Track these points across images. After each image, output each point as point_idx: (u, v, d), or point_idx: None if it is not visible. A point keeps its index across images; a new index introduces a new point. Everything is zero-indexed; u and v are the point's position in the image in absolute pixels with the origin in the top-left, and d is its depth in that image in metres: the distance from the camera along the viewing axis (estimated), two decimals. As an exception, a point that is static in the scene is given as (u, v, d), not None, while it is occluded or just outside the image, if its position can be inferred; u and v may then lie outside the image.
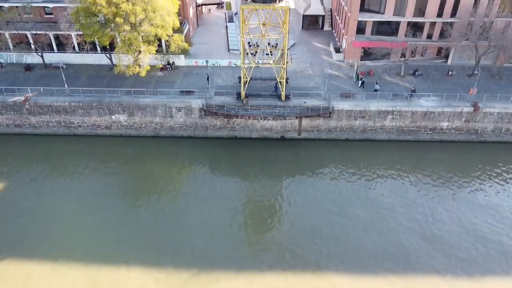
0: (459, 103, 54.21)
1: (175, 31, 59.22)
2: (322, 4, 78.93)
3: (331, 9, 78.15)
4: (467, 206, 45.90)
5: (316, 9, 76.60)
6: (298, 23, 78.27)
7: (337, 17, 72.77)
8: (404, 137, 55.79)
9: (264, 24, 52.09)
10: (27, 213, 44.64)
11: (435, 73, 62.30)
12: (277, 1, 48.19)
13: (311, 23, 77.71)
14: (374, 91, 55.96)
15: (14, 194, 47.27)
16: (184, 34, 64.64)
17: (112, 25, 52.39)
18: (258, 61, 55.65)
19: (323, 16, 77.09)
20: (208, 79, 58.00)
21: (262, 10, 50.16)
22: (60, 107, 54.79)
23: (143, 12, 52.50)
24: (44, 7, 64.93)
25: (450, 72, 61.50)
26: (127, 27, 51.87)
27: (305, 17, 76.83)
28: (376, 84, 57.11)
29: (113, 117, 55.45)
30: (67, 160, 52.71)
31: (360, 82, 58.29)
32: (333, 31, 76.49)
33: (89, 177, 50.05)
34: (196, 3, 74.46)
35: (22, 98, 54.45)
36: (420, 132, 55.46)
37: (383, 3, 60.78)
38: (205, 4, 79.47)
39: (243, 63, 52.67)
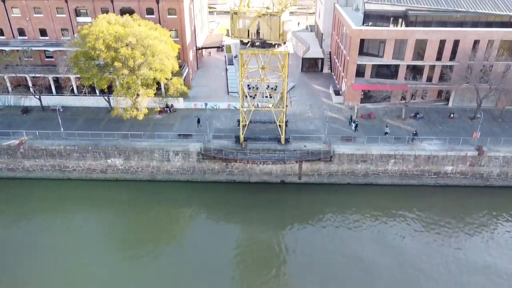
0: (462, 146, 53.03)
1: (174, 74, 59.18)
2: (321, 47, 79.79)
3: (330, 52, 78.86)
4: (474, 253, 43.62)
5: (315, 52, 77.26)
6: (297, 65, 78.70)
7: (336, 60, 73.17)
8: (407, 181, 54.20)
9: (263, 68, 51.97)
10: (19, 258, 42.40)
11: (437, 115, 61.60)
12: (276, 46, 48.10)
13: (311, 65, 78.14)
14: (385, 134, 55.10)
15: (3, 241, 45.17)
16: (183, 77, 64.67)
17: (111, 69, 52.23)
18: (257, 104, 55.11)
19: (322, 59, 77.61)
20: (198, 122, 57.54)
21: (261, 54, 50.10)
22: (55, 151, 53.64)
23: (142, 56, 52.48)
24: (44, 50, 65.49)
25: (451, 115, 60.79)
26: (126, 71, 51.70)
27: (304, 60, 77.38)
28: (386, 127, 56.28)
29: (109, 161, 54.18)
30: (61, 205, 50.98)
31: (353, 125, 57.49)
32: (333, 73, 76.75)
33: (83, 223, 48.16)
34: (196, 46, 75.16)
35: (17, 142, 53.45)
36: (424, 177, 53.91)
37: (381, 47, 61.04)
38: (205, 48, 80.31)
39: (242, 107, 52.03)
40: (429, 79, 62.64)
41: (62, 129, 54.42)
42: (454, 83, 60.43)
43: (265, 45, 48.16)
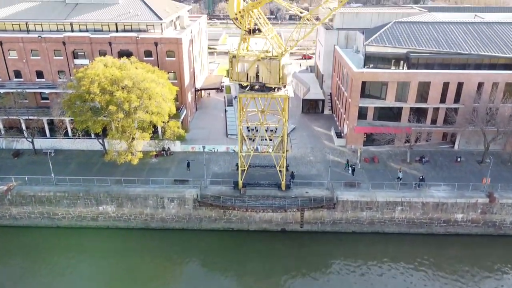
0: (472, 193, 50.44)
1: (172, 117, 57.61)
2: (322, 88, 78.86)
3: (330, 93, 77.85)
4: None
5: (315, 94, 76.23)
6: (297, 106, 77.44)
7: (337, 102, 71.92)
8: (416, 230, 51.18)
9: (263, 111, 50.37)
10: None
11: (443, 159, 59.39)
12: (276, 90, 46.63)
13: (311, 107, 76.87)
14: (397, 179, 52.73)
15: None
16: (181, 120, 63.08)
17: (105, 112, 50.63)
18: (256, 148, 53.02)
19: (323, 100, 76.45)
20: (188, 166, 55.66)
21: (260, 98, 48.61)
22: (44, 197, 51.06)
23: (138, 99, 51.06)
24: (40, 92, 64.33)
25: (458, 159, 58.56)
26: (121, 115, 50.05)
27: (304, 101, 76.21)
28: (399, 172, 53.80)
29: (101, 208, 51.48)
30: (49, 254, 47.94)
31: (350, 169, 55.22)
32: (334, 115, 75.32)
33: (71, 273, 45.03)
34: (195, 88, 74.21)
35: (5, 188, 51.02)
36: (433, 225, 50.95)
37: (384, 89, 59.80)
38: (204, 89, 79.45)
39: (240, 151, 49.98)
40: (434, 121, 60.94)
41: (52, 174, 52.10)
42: (459, 126, 58.66)
43: (264, 88, 46.65)
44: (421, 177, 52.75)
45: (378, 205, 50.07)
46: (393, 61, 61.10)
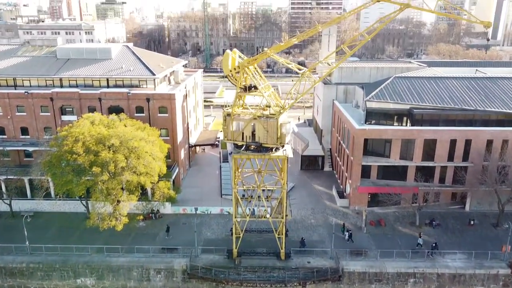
0: (492, 262, 45.63)
1: (162, 176, 53.64)
2: (321, 143, 75.73)
3: (330, 149, 74.62)
4: None
5: (315, 150, 72.96)
6: (296, 162, 73.80)
7: (338, 159, 68.47)
8: (431, 305, 45.73)
9: (259, 172, 46.60)
10: None
11: (454, 222, 54.94)
12: (273, 150, 43.14)
13: (310, 163, 73.30)
14: (418, 246, 48.06)
15: None
16: (172, 179, 59.08)
17: (89, 174, 46.73)
18: (253, 210, 48.69)
19: (323, 157, 73.05)
20: (167, 230, 51.46)
21: (257, 158, 45.04)
22: (16, 269, 45.84)
23: (125, 160, 47.39)
24: (24, 150, 60.74)
25: (471, 222, 54.17)
26: (105, 177, 46.13)
27: (303, 157, 72.75)
28: (420, 237, 49.33)
29: (78, 280, 46.11)
30: None
31: (347, 234, 50.65)
32: (334, 172, 71.60)
33: None
34: (189, 144, 70.95)
35: (-28, 258, 45.86)
36: (450, 299, 45.60)
37: (387, 146, 56.60)
38: (198, 145, 76.25)
39: (235, 217, 45.58)
40: (442, 180, 57.16)
41: (27, 242, 47.14)
42: (470, 185, 54.89)
43: (261, 148, 43.17)
44: (434, 244, 48.05)
45: (389, 276, 44.99)
46: (395, 117, 58.40)
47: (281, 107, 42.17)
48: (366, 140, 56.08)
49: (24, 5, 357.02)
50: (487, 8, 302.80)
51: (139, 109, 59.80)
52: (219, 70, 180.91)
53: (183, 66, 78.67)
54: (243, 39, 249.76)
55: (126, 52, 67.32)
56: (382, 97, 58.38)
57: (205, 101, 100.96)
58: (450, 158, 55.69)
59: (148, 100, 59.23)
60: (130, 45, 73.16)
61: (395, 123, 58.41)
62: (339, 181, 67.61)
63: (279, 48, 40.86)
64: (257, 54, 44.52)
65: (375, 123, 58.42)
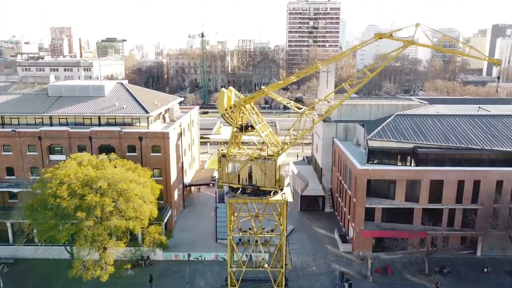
0: (511, 317, 41.70)
1: (154, 220, 50.27)
2: (321, 183, 72.79)
3: (331, 188, 71.62)
4: None
5: (315, 190, 69.86)
6: (295, 203, 70.44)
7: (339, 199, 65.35)
8: None
9: (257, 216, 43.43)
10: None
11: (466, 269, 51.24)
12: (271, 193, 40.20)
13: (310, 203, 70.08)
14: None
15: None
16: (164, 222, 55.68)
17: (73, 219, 43.44)
18: (250, 257, 45.06)
19: (323, 197, 69.91)
20: (150, 281, 47.60)
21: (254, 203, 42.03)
22: (-12, 326, 41.56)
23: (113, 203, 44.24)
24: (8, 191, 57.56)
25: (485, 269, 50.48)
26: (91, 222, 42.82)
27: (303, 197, 69.53)
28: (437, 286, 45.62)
29: (57, 338, 41.75)
30: None
31: (346, 285, 46.82)
32: (336, 213, 68.24)
33: None
34: (183, 184, 67.90)
35: None
36: None
37: (392, 187, 53.72)
38: (193, 185, 73.17)
39: (230, 267, 41.97)
40: (451, 223, 53.90)
41: (1, 296, 43.18)
42: (480, 229, 51.68)
43: (258, 192, 40.25)
44: (446, 296, 44.26)
45: (399, 333, 40.87)
46: (399, 156, 55.83)
47: (279, 147, 39.65)
48: (369, 181, 53.26)
49: (26, 43, 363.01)
50: (480, 46, 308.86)
51: (131, 148, 57.23)
52: (216, 106, 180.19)
53: (179, 103, 77.01)
54: (241, 76, 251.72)
55: (120, 89, 65.58)
56: (384, 136, 56.11)
57: (201, 137, 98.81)
58: (459, 200, 52.75)
59: (140, 138, 56.79)
60: (125, 82, 71.67)
61: (399, 163, 55.82)
62: (341, 223, 64.17)
63: (277, 87, 38.95)
64: (255, 90, 42.66)
65: (377, 163, 55.87)
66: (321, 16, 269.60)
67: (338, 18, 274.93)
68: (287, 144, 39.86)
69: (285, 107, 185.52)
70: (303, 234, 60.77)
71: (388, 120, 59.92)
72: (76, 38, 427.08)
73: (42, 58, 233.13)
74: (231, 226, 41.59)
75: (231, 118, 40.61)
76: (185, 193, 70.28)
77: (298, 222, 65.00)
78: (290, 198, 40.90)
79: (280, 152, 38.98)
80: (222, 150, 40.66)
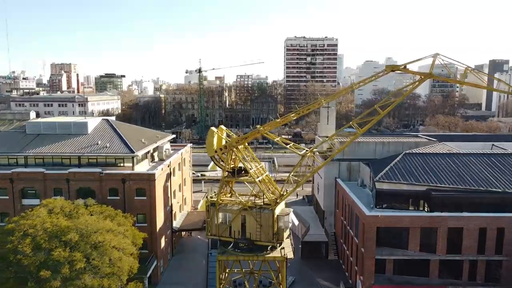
0: None
1: (135, 273, 43.89)
2: (324, 227, 66.67)
3: (334, 232, 65.41)
4: None
5: (317, 235, 63.67)
6: (296, 249, 64.00)
7: (345, 246, 59.06)
8: None
9: (251, 273, 37.30)
10: None
11: (494, 332, 44.47)
12: (268, 249, 34.33)
13: (313, 250, 63.54)
14: None
15: None
16: (148, 275, 49.26)
17: (35, 279, 37.15)
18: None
19: (327, 243, 63.57)
20: None
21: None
22: None
23: (85, 259, 38.13)
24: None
25: (517, 333, 43.78)
26: (57, 283, 36.51)
27: (304, 244, 63.14)
28: None
29: None
30: None
31: None
32: (341, 261, 61.69)
33: None
34: (172, 229, 61.67)
35: None
36: None
37: (404, 235, 47.76)
38: (183, 230, 66.80)
39: (220, 337, 35.42)
40: (472, 277, 47.58)
41: None
42: (506, 284, 45.33)
43: (253, 247, 34.40)
44: None
45: None
46: (410, 200, 50.38)
47: (277, 195, 34.20)
48: (378, 228, 47.36)
49: (24, 78, 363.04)
50: (477, 80, 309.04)
51: (113, 192, 51.63)
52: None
53: (172, 140, 72.12)
54: (238, 111, 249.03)
55: (105, 126, 60.69)
56: (394, 177, 50.76)
57: (197, 174, 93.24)
58: (481, 250, 46.71)
59: (123, 181, 51.29)
60: (112, 118, 67.04)
61: (411, 207, 50.30)
62: (347, 273, 57.56)
63: (274, 125, 34.01)
64: (253, 126, 37.86)
65: (387, 207, 50.33)
66: (319, 52, 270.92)
67: (335, 54, 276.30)
68: (286, 191, 34.43)
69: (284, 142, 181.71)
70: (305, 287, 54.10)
71: (396, 160, 54.79)
72: (75, 74, 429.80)
73: (38, 94, 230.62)
74: (221, 286, 35.37)
75: (221, 161, 35.37)
76: (174, 238, 63.86)
77: (299, 272, 58.31)
78: (290, 254, 35.01)
79: (278, 201, 33.46)
80: (211, 197, 35.09)
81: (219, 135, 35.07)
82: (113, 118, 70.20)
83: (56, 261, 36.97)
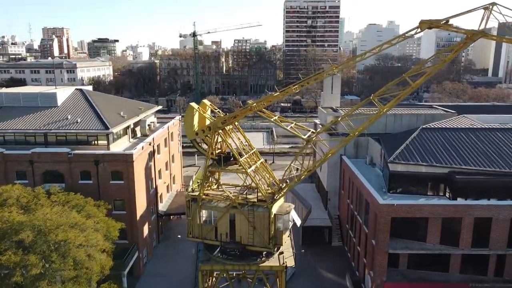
0: None
1: (112, 269, 37.61)
2: (327, 209, 60.21)
3: (338, 215, 59.09)
4: None
5: (320, 219, 57.31)
6: (296, 234, 57.86)
7: (351, 232, 52.81)
8: None
9: (243, 277, 30.79)
10: None
11: (524, 337, 38.74)
12: (263, 255, 27.60)
13: (314, 236, 57.39)
14: None
15: None
16: (127, 270, 43.06)
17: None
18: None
19: (330, 228, 57.32)
20: None
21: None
22: None
23: (43, 262, 31.52)
24: None
25: None
26: (5, 293, 30.04)
27: (306, 229, 56.82)
28: None
29: None
30: None
31: None
32: (346, 247, 55.67)
33: None
34: (157, 213, 55.17)
35: None
36: None
37: (422, 226, 41.17)
38: (170, 214, 60.27)
39: None
40: (499, 273, 41.44)
41: None
42: (539, 281, 39.18)
43: (244, 253, 27.64)
44: None
45: None
46: (429, 184, 43.55)
47: (275, 188, 27.10)
48: (393, 219, 40.67)
49: (13, 43, 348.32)
50: (485, 46, 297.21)
51: (85, 175, 44.63)
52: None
53: (163, 109, 64.54)
54: (236, 77, 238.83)
55: (78, 97, 52.88)
56: (411, 157, 43.63)
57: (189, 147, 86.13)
58: (511, 243, 40.26)
59: (96, 162, 44.12)
60: (88, 88, 59.31)
61: (429, 192, 43.52)
62: (353, 263, 51.60)
63: (271, 100, 26.40)
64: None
65: (401, 191, 43.70)
66: (320, 15, 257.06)
67: (337, 16, 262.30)
68: (287, 182, 27.30)
69: (283, 110, 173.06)
70: (306, 281, 48.20)
71: (412, 136, 47.41)
72: (68, 38, 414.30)
73: (24, 59, 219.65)
74: (206, 298, 28.94)
75: (205, 143, 28.03)
76: (160, 223, 57.50)
77: (299, 262, 51.93)
78: (291, 262, 28.36)
79: (276, 197, 26.38)
80: (192, 191, 27.99)
81: (200, 113, 27.62)
82: (90, 87, 62.22)
83: (5, 267, 30.37)
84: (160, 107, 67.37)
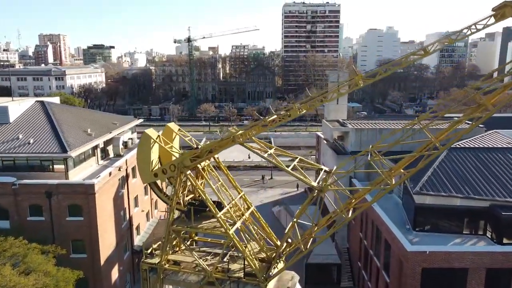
0: None
1: None
2: (334, 240, 51.33)
3: (348, 248, 50.27)
4: None
5: (326, 255, 48.34)
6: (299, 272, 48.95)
7: (363, 272, 43.91)
8: None
9: None
10: None
11: None
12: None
13: (320, 275, 48.41)
14: None
15: None
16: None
17: None
18: None
19: (339, 265, 48.39)
20: None
21: None
22: None
23: None
24: None
25: None
26: None
27: (309, 266, 47.83)
28: None
29: None
30: None
31: None
32: (357, 289, 46.78)
33: None
34: (131, 249, 46.14)
35: None
36: None
37: (459, 278, 32.30)
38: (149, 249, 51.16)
39: None
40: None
41: None
42: None
43: None
44: None
45: None
46: (465, 220, 34.79)
47: (271, 253, 18.22)
48: (423, 269, 31.81)
49: (5, 50, 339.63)
50: (489, 51, 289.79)
51: (35, 211, 35.75)
52: (202, 119, 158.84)
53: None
54: (233, 84, 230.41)
55: (37, 112, 44.11)
56: (442, 187, 34.94)
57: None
58: None
59: (48, 195, 35.22)
60: (52, 100, 50.51)
61: (465, 230, 34.76)
62: (367, 312, 42.62)
63: (263, 127, 17.66)
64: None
65: (429, 230, 34.90)
66: (319, 19, 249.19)
67: (337, 21, 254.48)
68: (288, 241, 18.43)
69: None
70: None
71: (440, 159, 38.70)
72: (65, 45, 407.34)
73: (13, 66, 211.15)
74: None
75: (170, 183, 19.24)
76: (136, 260, 48.42)
77: (302, 309, 43.17)
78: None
79: (272, 272, 17.49)
80: (150, 255, 19.13)
81: (161, 145, 18.69)
82: (56, 99, 53.37)
83: None
84: (140, 121, 58.50)
